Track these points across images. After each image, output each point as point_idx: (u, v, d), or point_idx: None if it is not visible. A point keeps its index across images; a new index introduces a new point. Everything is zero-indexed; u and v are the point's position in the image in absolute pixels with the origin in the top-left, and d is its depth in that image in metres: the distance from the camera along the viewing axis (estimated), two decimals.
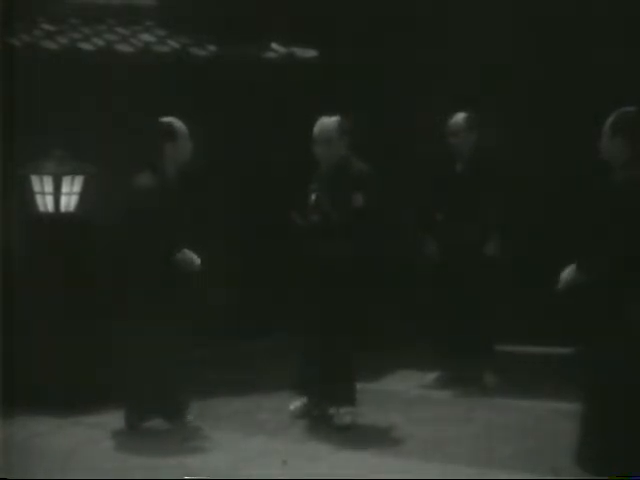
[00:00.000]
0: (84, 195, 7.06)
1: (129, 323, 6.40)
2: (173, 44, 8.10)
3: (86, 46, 7.78)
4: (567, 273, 5.40)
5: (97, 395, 6.83)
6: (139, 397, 6.38)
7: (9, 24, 7.44)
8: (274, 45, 8.34)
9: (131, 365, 6.38)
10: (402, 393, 7.36)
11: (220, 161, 7.79)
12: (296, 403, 6.75)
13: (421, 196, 7.76)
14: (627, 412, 5.14)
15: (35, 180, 7.01)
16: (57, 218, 7.02)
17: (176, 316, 6.30)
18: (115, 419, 6.62)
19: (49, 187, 6.97)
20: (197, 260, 6.30)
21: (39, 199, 7.01)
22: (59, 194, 6.98)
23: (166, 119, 6.45)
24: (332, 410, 6.56)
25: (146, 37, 8.13)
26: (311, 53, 8.31)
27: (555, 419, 6.55)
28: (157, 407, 6.39)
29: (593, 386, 5.31)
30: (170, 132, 6.39)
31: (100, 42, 7.86)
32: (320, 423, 6.56)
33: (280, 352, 7.62)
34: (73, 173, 7.01)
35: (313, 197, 6.55)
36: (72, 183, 7.01)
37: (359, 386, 6.65)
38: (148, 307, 6.24)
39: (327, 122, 6.55)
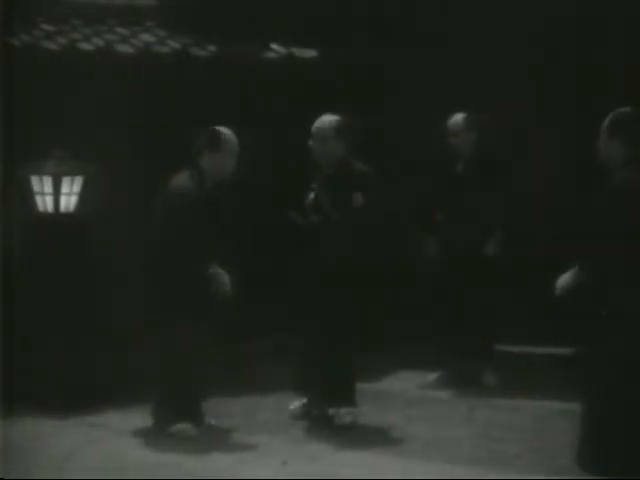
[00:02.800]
0: (84, 195, 7.06)
1: (148, 325, 6.42)
2: (173, 44, 8.11)
3: (86, 46, 7.78)
4: (564, 279, 5.40)
5: (97, 395, 6.84)
6: (171, 399, 6.32)
7: (9, 24, 7.45)
8: (274, 45, 8.34)
9: (162, 367, 6.35)
10: (402, 393, 7.36)
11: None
12: (296, 403, 6.75)
13: (421, 196, 7.77)
14: (627, 412, 5.14)
15: (35, 180, 7.01)
16: (57, 218, 7.02)
17: (202, 318, 6.30)
18: (115, 419, 6.64)
19: (49, 187, 6.97)
20: (227, 280, 6.26)
21: (39, 199, 7.01)
22: (59, 194, 6.97)
23: (216, 128, 6.37)
24: (332, 410, 6.56)
25: (146, 37, 8.14)
26: (311, 53, 8.31)
27: (555, 419, 6.55)
28: (187, 411, 6.35)
29: (593, 386, 5.31)
30: (216, 142, 6.31)
31: (100, 42, 7.87)
32: (320, 423, 6.56)
33: (280, 352, 7.62)
34: (73, 173, 7.01)
35: (312, 196, 6.56)
36: (72, 183, 7.02)
37: (359, 386, 6.65)
38: (175, 309, 6.22)
39: (325, 119, 6.56)
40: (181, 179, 6.29)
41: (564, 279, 5.40)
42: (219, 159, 6.33)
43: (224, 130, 6.40)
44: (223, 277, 6.26)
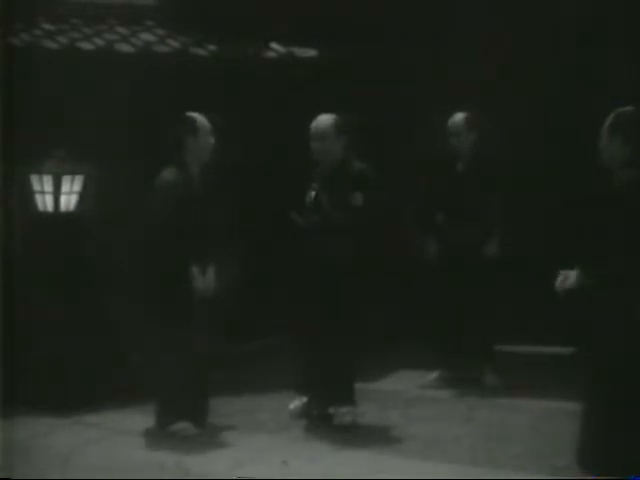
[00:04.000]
0: (84, 195, 7.06)
1: (145, 323, 6.42)
2: (173, 44, 8.11)
3: (86, 46, 7.78)
4: (564, 279, 5.36)
5: (97, 395, 6.84)
6: (172, 399, 6.31)
7: (9, 24, 7.44)
8: (274, 45, 8.34)
9: (165, 366, 6.34)
10: (402, 393, 7.36)
11: (219, 161, 7.79)
12: (296, 403, 6.75)
13: (421, 196, 7.77)
14: (627, 412, 5.14)
15: (35, 180, 7.01)
16: (57, 217, 7.02)
17: (201, 317, 6.30)
18: (115, 419, 6.64)
19: (49, 187, 6.97)
20: (207, 283, 6.26)
21: (39, 199, 7.01)
22: (59, 194, 6.98)
23: (190, 114, 6.42)
24: (332, 410, 6.56)
25: (146, 37, 8.13)
26: (311, 53, 8.31)
27: (555, 419, 6.55)
28: (188, 410, 6.35)
29: (593, 386, 5.31)
30: (192, 127, 6.36)
31: (100, 42, 7.87)
32: (320, 423, 6.56)
33: (280, 352, 7.62)
34: (73, 173, 7.01)
35: (312, 195, 6.56)
36: (72, 183, 7.02)
37: (359, 386, 6.65)
38: (172, 307, 6.22)
39: (323, 118, 6.58)
40: (166, 174, 6.31)
41: (564, 278, 5.36)
42: (198, 143, 6.37)
43: (196, 115, 6.43)
44: (202, 280, 6.23)
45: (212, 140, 6.45)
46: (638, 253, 5.11)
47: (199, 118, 6.42)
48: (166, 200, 6.19)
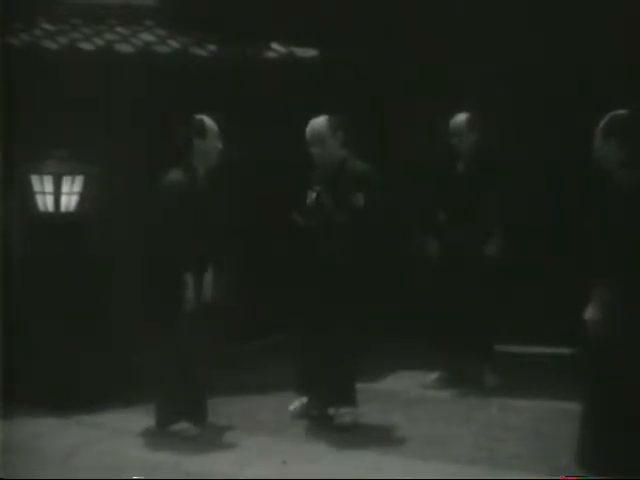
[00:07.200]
0: (84, 195, 7.07)
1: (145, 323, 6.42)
2: (173, 44, 8.11)
3: (86, 46, 7.79)
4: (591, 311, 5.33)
5: (97, 395, 6.84)
6: (172, 399, 6.31)
7: (9, 24, 7.45)
8: (274, 45, 8.34)
9: (164, 366, 6.34)
10: (402, 393, 7.36)
11: (220, 161, 7.79)
12: (296, 403, 6.75)
13: (422, 196, 7.77)
14: (627, 412, 5.14)
15: (35, 180, 7.01)
16: (57, 218, 7.02)
17: (201, 317, 6.31)
18: (115, 419, 6.64)
19: (49, 187, 6.98)
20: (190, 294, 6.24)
21: (39, 199, 7.02)
22: (59, 194, 6.98)
23: (198, 116, 6.42)
24: (332, 410, 6.56)
25: (146, 37, 8.14)
26: (311, 53, 8.32)
27: (555, 419, 6.55)
28: (188, 410, 6.35)
29: (593, 386, 5.31)
30: (201, 129, 6.36)
31: (100, 42, 7.87)
32: (320, 423, 6.57)
33: (280, 352, 7.62)
34: (73, 173, 7.02)
35: (313, 196, 6.55)
36: (72, 183, 7.02)
37: (359, 386, 6.65)
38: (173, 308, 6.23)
39: (317, 122, 6.56)
40: (173, 176, 6.31)
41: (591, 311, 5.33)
42: (206, 146, 6.37)
43: (205, 118, 6.43)
44: (197, 288, 6.24)
45: (220, 144, 6.44)
46: (637, 253, 5.12)
47: (207, 121, 6.42)
48: (171, 202, 6.18)
